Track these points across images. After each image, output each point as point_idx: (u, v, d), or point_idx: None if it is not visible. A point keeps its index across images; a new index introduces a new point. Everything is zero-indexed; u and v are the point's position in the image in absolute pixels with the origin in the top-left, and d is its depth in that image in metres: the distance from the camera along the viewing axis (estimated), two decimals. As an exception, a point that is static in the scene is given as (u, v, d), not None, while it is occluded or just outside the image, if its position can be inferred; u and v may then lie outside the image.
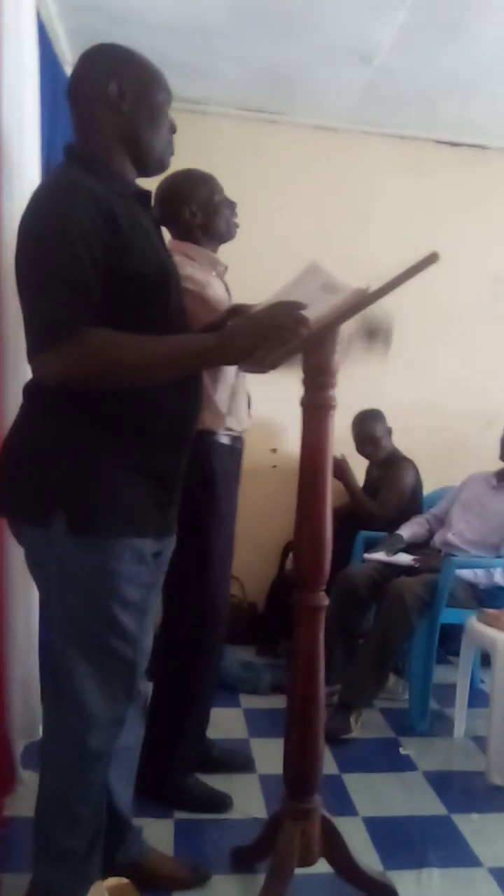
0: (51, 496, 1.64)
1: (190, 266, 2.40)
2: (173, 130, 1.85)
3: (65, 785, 1.77)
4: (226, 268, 2.58)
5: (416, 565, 3.47)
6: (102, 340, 1.56)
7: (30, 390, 1.75)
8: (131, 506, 1.69)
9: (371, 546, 3.83)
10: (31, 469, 1.67)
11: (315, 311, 1.68)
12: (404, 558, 3.56)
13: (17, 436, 1.74)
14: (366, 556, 3.63)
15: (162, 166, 1.85)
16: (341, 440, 3.92)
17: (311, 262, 1.86)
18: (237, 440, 2.54)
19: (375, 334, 2.13)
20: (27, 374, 1.70)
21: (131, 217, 1.66)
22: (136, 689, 1.80)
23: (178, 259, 2.40)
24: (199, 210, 2.48)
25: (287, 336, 1.63)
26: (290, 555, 4.08)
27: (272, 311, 1.66)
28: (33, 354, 1.57)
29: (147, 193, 1.81)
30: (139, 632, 1.76)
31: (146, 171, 1.83)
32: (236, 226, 2.57)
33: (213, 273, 2.51)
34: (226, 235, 2.56)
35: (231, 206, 2.55)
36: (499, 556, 3.46)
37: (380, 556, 3.59)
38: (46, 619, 1.80)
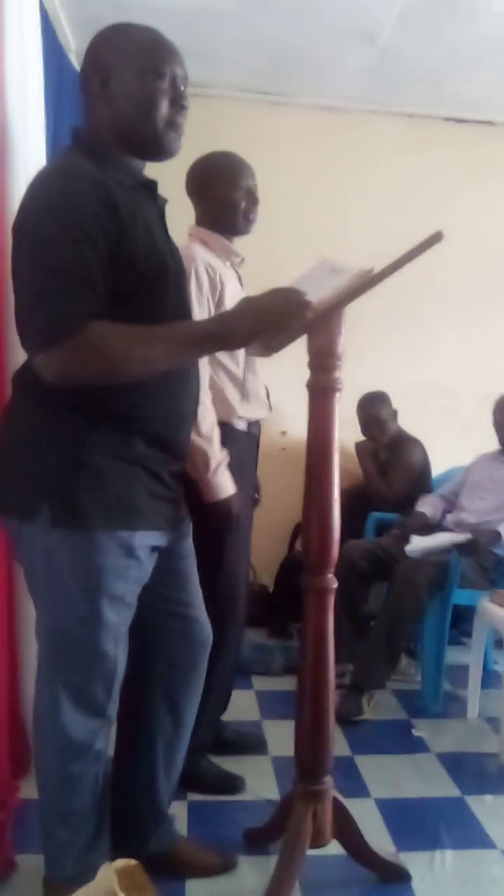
0: (36, 488, 1.63)
1: (204, 252, 2.40)
2: (180, 105, 1.71)
3: (52, 777, 1.78)
4: (242, 259, 2.56)
5: (474, 538, 3.34)
6: (104, 336, 1.52)
7: (18, 380, 1.72)
8: (120, 498, 1.66)
9: (382, 528, 3.83)
10: (18, 460, 1.66)
11: (320, 293, 1.67)
12: (453, 537, 3.39)
13: (5, 426, 1.73)
14: (408, 550, 3.36)
15: (162, 149, 1.73)
16: (349, 422, 3.95)
17: (320, 258, 1.86)
18: (253, 425, 2.54)
19: None
20: (18, 363, 1.69)
21: (133, 207, 1.62)
22: (116, 681, 1.77)
23: (194, 246, 2.40)
24: (221, 197, 2.44)
25: (291, 322, 1.61)
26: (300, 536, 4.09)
27: (274, 296, 1.62)
28: (36, 353, 1.53)
29: (153, 183, 1.76)
30: (122, 626, 1.74)
31: (149, 158, 1.76)
32: (251, 222, 2.51)
33: (227, 263, 2.49)
34: (240, 229, 2.50)
35: (252, 202, 2.48)
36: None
37: (426, 542, 3.37)
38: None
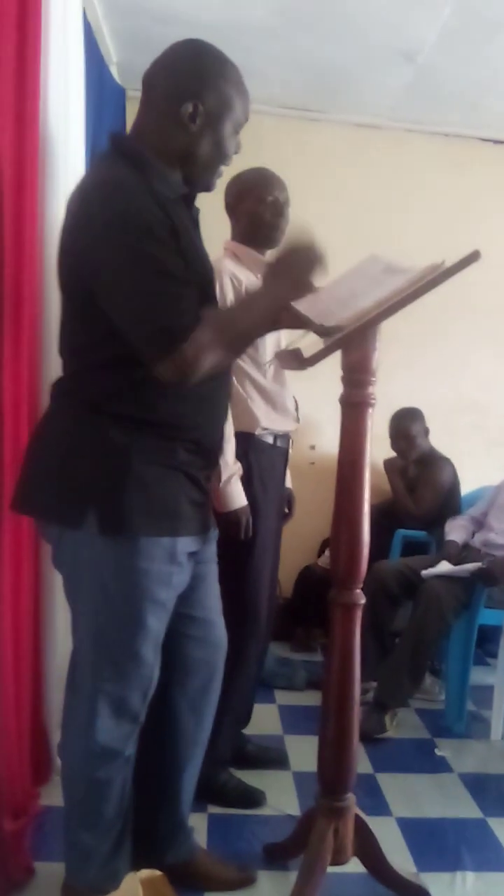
0: (83, 495, 1.65)
1: (233, 265, 2.43)
2: (236, 152, 1.79)
3: (80, 782, 1.79)
4: None
5: (486, 564, 3.28)
6: (212, 328, 1.56)
7: (60, 388, 1.75)
8: (163, 504, 1.69)
9: (409, 545, 3.80)
10: (63, 468, 1.68)
11: (380, 292, 1.68)
12: (467, 567, 3.32)
13: (46, 434, 1.75)
14: (423, 573, 3.36)
15: (208, 189, 1.80)
16: (381, 438, 3.94)
17: (371, 253, 1.87)
18: (280, 439, 2.54)
19: None
20: (58, 370, 1.73)
21: (177, 219, 1.65)
22: (152, 688, 1.79)
23: (225, 259, 2.43)
24: (248, 211, 2.49)
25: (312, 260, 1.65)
26: (327, 550, 4.08)
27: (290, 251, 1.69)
28: (159, 359, 1.53)
29: (192, 196, 1.79)
30: (161, 632, 1.76)
31: (191, 188, 1.79)
32: (277, 231, 2.52)
33: (258, 275, 2.50)
34: (268, 240, 2.52)
35: (276, 212, 2.50)
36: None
37: (441, 569, 3.35)
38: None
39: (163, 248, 1.54)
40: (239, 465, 2.34)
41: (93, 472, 1.65)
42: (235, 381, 2.38)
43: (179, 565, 1.74)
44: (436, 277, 1.64)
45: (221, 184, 2.45)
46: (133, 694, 1.75)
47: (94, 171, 1.71)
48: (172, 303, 1.52)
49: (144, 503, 1.66)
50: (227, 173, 2.42)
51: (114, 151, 1.72)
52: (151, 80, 1.72)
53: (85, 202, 1.62)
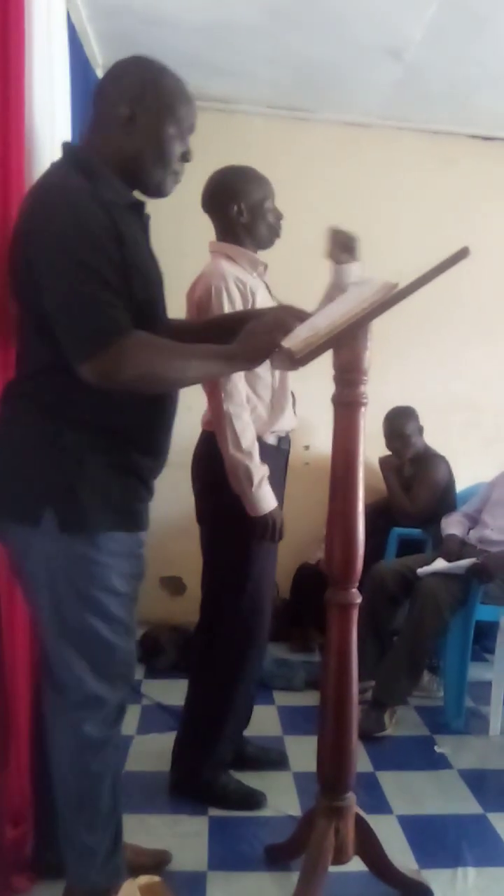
0: (40, 494, 1.68)
1: (231, 267, 2.41)
2: (186, 159, 1.83)
3: (73, 778, 1.80)
4: (265, 267, 2.57)
5: (481, 560, 3.26)
6: (146, 342, 1.61)
7: (15, 391, 1.77)
8: (118, 502, 1.73)
9: (404, 543, 3.80)
10: (18, 468, 1.70)
11: (345, 307, 1.69)
12: (463, 562, 3.30)
13: (1, 437, 1.76)
14: (419, 571, 3.36)
15: (160, 194, 1.83)
16: (374, 437, 3.94)
17: (358, 277, 1.89)
18: (283, 440, 2.55)
19: (346, 247, 2.37)
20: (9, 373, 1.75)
21: (127, 228, 1.68)
22: (133, 673, 1.84)
23: (221, 261, 2.41)
24: (247, 210, 2.44)
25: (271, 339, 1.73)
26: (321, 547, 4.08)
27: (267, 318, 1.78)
28: (83, 360, 1.57)
29: (141, 204, 1.82)
30: (130, 620, 1.81)
31: (143, 194, 1.83)
32: (277, 236, 2.54)
33: (255, 274, 2.50)
34: (266, 242, 2.52)
35: (278, 216, 2.51)
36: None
37: (437, 566, 3.35)
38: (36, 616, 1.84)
39: (102, 256, 1.59)
40: (266, 466, 2.33)
41: (50, 472, 1.68)
42: (247, 385, 2.38)
43: (137, 558, 1.80)
44: (427, 274, 1.65)
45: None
46: (115, 682, 1.79)
47: (45, 178, 1.74)
48: (101, 308, 1.56)
49: (101, 500, 1.70)
50: (206, 174, 2.44)
51: (65, 160, 1.77)
52: (99, 92, 1.80)
53: (33, 211, 1.65)
